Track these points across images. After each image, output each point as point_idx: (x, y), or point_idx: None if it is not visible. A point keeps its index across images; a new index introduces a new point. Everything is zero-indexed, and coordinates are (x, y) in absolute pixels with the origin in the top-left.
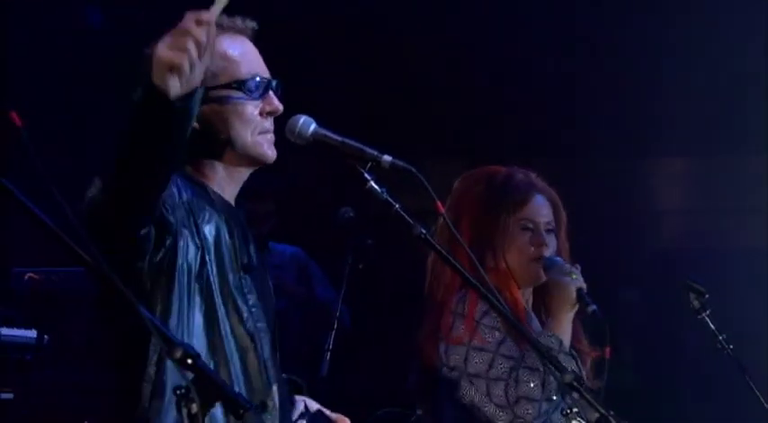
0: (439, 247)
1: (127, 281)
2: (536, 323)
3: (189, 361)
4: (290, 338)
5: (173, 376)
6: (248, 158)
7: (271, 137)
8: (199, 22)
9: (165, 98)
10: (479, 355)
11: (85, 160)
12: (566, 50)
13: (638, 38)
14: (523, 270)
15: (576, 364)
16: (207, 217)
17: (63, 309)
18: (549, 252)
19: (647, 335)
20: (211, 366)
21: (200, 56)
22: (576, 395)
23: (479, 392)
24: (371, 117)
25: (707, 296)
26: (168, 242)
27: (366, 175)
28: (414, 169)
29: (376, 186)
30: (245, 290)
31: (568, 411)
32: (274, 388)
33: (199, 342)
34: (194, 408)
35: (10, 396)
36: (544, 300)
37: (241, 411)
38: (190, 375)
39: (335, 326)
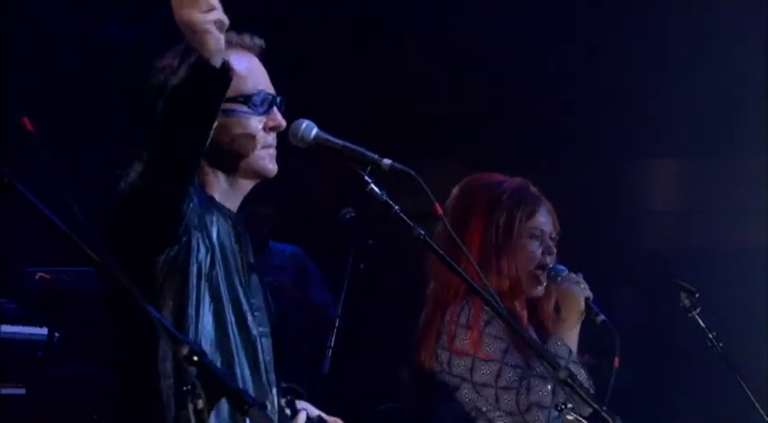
0: (438, 249)
1: (140, 274)
2: (533, 333)
3: (195, 358)
4: (288, 337)
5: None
6: (250, 171)
7: (273, 151)
8: None
9: (212, 69)
10: (486, 365)
11: (86, 160)
12: (564, 51)
13: (636, 39)
14: (528, 277)
15: (585, 372)
16: (214, 221)
17: (73, 307)
18: (552, 260)
19: (641, 333)
20: (218, 364)
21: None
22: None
23: (486, 400)
24: (372, 119)
25: (697, 295)
26: (184, 239)
27: (366, 177)
28: (413, 172)
29: (376, 189)
30: (250, 294)
31: (563, 407)
32: (274, 391)
33: (207, 340)
34: (200, 403)
35: (22, 391)
36: (536, 311)
37: (246, 407)
38: (195, 372)
39: (337, 325)
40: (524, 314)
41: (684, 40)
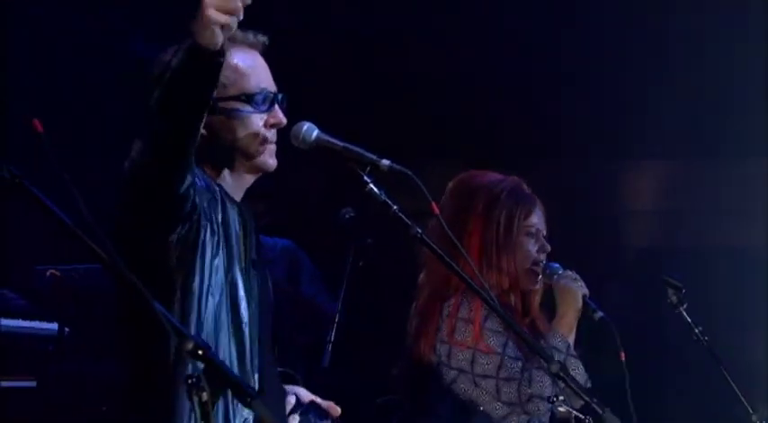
0: (434, 247)
1: (156, 255)
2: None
3: (200, 352)
4: (283, 330)
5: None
6: (252, 166)
7: (273, 147)
8: None
9: (209, 53)
10: (487, 358)
11: (86, 160)
12: (564, 52)
13: (632, 40)
14: (526, 274)
15: (582, 365)
16: (222, 207)
17: (82, 303)
18: (544, 257)
19: (630, 328)
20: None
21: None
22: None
23: (485, 391)
24: (372, 120)
25: (684, 291)
26: (195, 218)
27: (366, 177)
28: (410, 172)
29: (375, 188)
30: (247, 282)
31: (555, 399)
32: (255, 377)
33: (208, 324)
34: (204, 396)
35: (33, 384)
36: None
37: (248, 399)
38: (201, 365)
39: (337, 319)
40: (519, 309)
41: (680, 41)
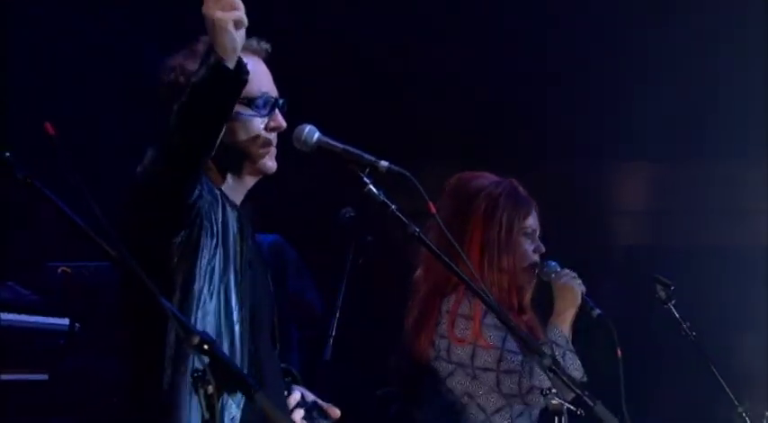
0: (431, 245)
1: (158, 256)
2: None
3: (206, 347)
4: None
5: (192, 356)
6: (252, 168)
7: (273, 150)
8: None
9: (227, 70)
10: (487, 352)
11: (86, 160)
12: (563, 53)
13: (622, 42)
14: (522, 272)
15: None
16: (221, 211)
17: (93, 299)
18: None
19: (620, 323)
20: None
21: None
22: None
23: (483, 384)
24: (372, 120)
25: (672, 288)
26: (197, 223)
27: (365, 178)
28: (408, 173)
29: (374, 189)
30: (241, 284)
31: (547, 392)
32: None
33: (205, 326)
34: (210, 389)
35: (45, 377)
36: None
37: (251, 392)
38: (206, 360)
39: (338, 314)
40: (517, 307)
41: (669, 42)
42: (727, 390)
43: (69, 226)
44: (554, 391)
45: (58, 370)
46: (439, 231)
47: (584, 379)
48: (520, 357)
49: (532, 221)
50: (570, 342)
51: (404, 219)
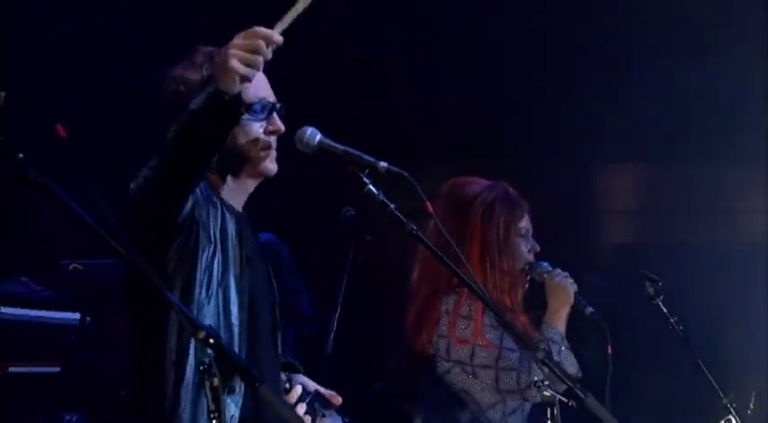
0: (428, 243)
1: (153, 263)
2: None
3: (211, 340)
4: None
5: (193, 350)
6: (253, 171)
7: (273, 153)
8: (269, 41)
9: (226, 99)
10: (486, 350)
11: (86, 160)
12: (563, 55)
13: (610, 42)
14: (520, 273)
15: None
16: (219, 216)
17: (102, 295)
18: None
19: (609, 318)
20: None
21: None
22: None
23: (481, 381)
24: (373, 121)
25: (660, 284)
26: (194, 229)
27: (365, 179)
28: (406, 173)
29: (373, 189)
30: (240, 285)
31: (540, 384)
32: None
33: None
34: (215, 381)
35: (57, 369)
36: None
37: (256, 384)
38: (211, 353)
39: (339, 310)
40: (514, 307)
41: (655, 43)
42: (713, 382)
43: (80, 224)
44: (546, 383)
45: (70, 362)
46: (437, 233)
47: (579, 375)
48: (517, 355)
49: (526, 223)
50: (565, 339)
51: (402, 218)
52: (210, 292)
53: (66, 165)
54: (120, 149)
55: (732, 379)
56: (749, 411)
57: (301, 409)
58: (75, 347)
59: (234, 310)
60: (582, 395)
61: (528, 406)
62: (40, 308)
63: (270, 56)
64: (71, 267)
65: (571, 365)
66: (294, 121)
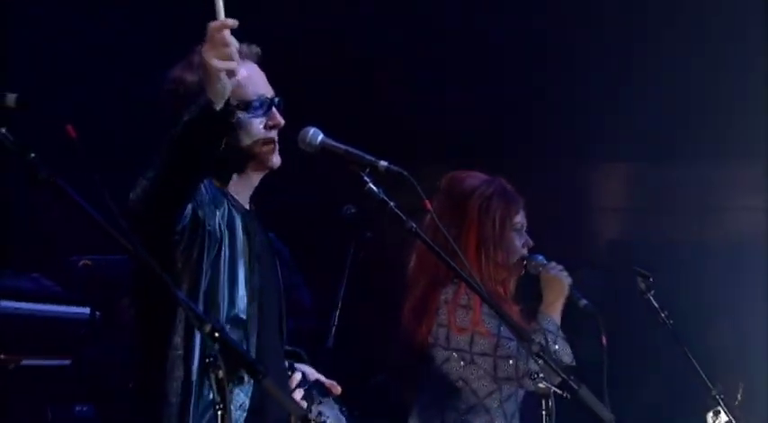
0: (427, 239)
1: (161, 262)
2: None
3: (216, 334)
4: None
5: (199, 343)
6: (257, 165)
7: (275, 146)
8: (225, 28)
9: (215, 112)
10: (485, 339)
11: (86, 160)
12: (562, 56)
13: (603, 42)
14: (513, 265)
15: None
16: (225, 213)
17: (111, 291)
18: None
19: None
20: None
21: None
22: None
23: (480, 368)
24: (373, 122)
25: (651, 279)
26: (199, 231)
27: (365, 177)
28: (405, 172)
29: (374, 187)
30: (250, 280)
31: (535, 376)
32: None
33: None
34: (221, 373)
35: (68, 362)
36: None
37: (260, 377)
38: (217, 346)
39: (339, 305)
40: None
41: (648, 44)
42: (702, 374)
43: (89, 222)
44: (541, 375)
45: (80, 355)
46: (435, 227)
47: (573, 363)
48: (515, 343)
49: (521, 218)
50: (560, 329)
51: (402, 215)
52: (218, 287)
53: (68, 164)
54: (120, 149)
55: (720, 371)
56: (736, 403)
57: (299, 394)
58: (85, 341)
59: (241, 304)
60: (576, 387)
61: (522, 393)
62: (51, 302)
63: (235, 42)
64: (81, 263)
65: (566, 355)
66: (295, 120)
